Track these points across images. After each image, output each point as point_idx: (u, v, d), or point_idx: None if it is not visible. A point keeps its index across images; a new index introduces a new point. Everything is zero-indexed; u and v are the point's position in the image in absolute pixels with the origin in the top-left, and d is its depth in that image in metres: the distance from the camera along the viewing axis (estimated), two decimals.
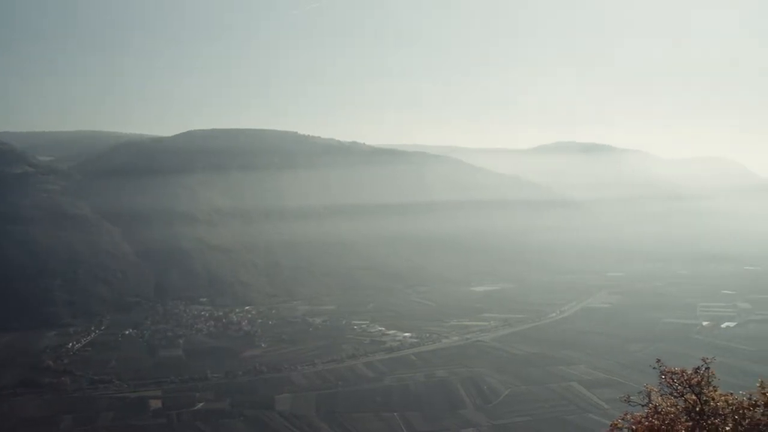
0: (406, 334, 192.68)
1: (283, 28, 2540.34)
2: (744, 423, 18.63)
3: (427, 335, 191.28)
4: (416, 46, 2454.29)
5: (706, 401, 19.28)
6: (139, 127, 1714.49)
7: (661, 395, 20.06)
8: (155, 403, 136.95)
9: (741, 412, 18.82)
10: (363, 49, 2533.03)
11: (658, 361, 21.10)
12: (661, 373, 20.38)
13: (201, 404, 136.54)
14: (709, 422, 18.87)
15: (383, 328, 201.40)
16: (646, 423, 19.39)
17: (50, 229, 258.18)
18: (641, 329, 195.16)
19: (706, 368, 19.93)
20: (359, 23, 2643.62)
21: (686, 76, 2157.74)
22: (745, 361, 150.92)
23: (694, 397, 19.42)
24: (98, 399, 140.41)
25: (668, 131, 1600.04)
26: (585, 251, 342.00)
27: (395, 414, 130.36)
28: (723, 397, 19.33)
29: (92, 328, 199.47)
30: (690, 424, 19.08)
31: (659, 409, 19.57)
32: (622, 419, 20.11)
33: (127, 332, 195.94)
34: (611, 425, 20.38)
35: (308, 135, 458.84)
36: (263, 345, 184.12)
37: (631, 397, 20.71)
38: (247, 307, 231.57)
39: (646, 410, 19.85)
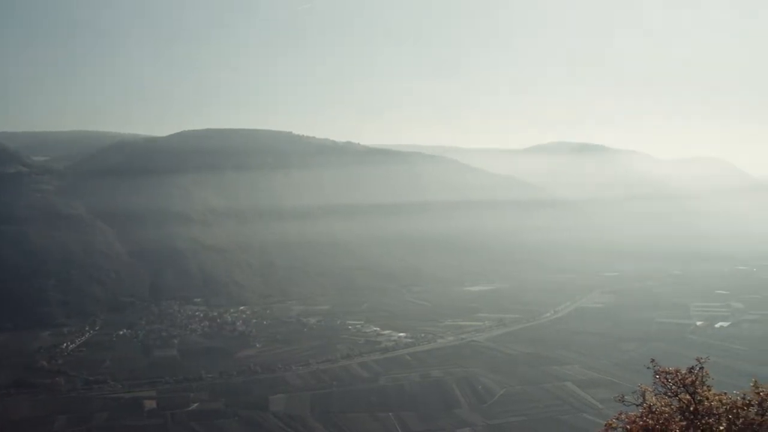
0: (401, 334, 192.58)
1: (277, 28, 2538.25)
2: (738, 422, 18.77)
3: (422, 335, 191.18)
4: (411, 46, 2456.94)
5: (700, 401, 19.41)
6: (133, 126, 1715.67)
7: (655, 395, 20.16)
8: (150, 404, 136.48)
9: (735, 411, 18.96)
10: (357, 48, 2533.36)
11: (653, 360, 21.24)
12: (656, 372, 20.50)
13: (195, 404, 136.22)
14: (704, 422, 19.01)
15: (378, 328, 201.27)
16: (641, 423, 19.50)
17: (44, 229, 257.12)
18: (635, 329, 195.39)
19: (700, 368, 20.07)
20: (353, 23, 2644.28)
21: (680, 76, 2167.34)
22: (738, 361, 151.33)
23: (688, 396, 19.55)
24: (92, 399, 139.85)
25: (662, 131, 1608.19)
26: (579, 251, 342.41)
27: (390, 414, 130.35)
28: (717, 397, 19.45)
29: (86, 328, 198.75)
30: (684, 423, 19.20)
31: (654, 409, 19.68)
32: (617, 419, 20.22)
33: (121, 332, 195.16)
34: (606, 425, 20.50)
35: (302, 135, 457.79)
36: (258, 345, 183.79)
37: (626, 397, 20.85)
38: (241, 307, 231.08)
39: (640, 410, 19.96)
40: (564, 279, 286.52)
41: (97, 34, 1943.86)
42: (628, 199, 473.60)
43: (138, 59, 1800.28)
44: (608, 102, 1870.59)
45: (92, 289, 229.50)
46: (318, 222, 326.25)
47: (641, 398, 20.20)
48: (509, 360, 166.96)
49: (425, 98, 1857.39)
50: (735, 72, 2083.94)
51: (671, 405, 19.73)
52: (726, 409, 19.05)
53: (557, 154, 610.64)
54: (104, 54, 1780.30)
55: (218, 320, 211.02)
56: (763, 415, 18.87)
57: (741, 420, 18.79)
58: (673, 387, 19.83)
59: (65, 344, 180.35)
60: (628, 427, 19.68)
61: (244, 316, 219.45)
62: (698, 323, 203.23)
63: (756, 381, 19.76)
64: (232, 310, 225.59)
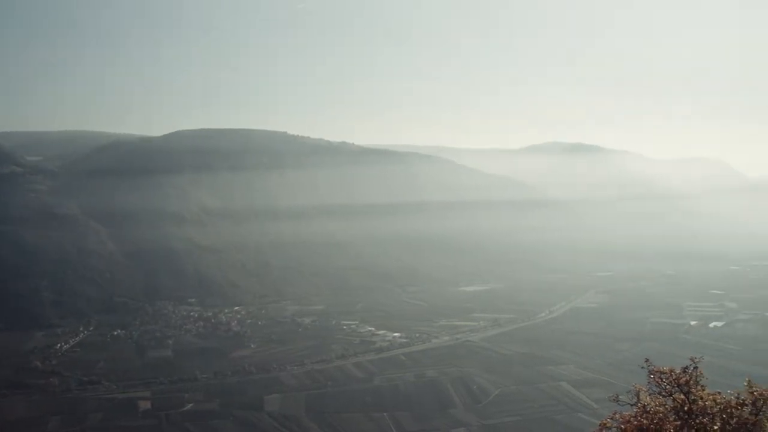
0: (396, 334, 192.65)
1: (272, 28, 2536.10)
2: (732, 422, 18.84)
3: (417, 335, 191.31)
4: (406, 46, 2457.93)
5: (694, 400, 19.46)
6: (127, 126, 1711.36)
7: (649, 395, 20.22)
8: (144, 404, 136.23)
9: (729, 411, 19.02)
10: (353, 48, 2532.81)
11: (647, 360, 21.30)
12: (650, 372, 20.56)
13: (190, 405, 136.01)
14: (698, 421, 19.06)
15: (373, 328, 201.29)
16: (635, 422, 19.54)
17: (38, 229, 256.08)
18: (629, 329, 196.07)
19: (694, 368, 20.12)
20: (347, 23, 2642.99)
21: (675, 77, 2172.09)
22: (732, 361, 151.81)
23: (682, 396, 19.60)
24: (87, 400, 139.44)
25: (656, 132, 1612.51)
26: (573, 251, 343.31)
27: (385, 414, 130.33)
28: (711, 397, 19.51)
29: (81, 329, 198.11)
30: (678, 423, 19.25)
31: (648, 409, 19.73)
32: (611, 419, 20.26)
33: (115, 333, 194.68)
34: (600, 425, 20.53)
35: (297, 135, 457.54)
36: (252, 345, 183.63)
37: (620, 397, 20.85)
38: (236, 308, 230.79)
39: (634, 409, 20.00)
40: (558, 279, 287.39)
41: (91, 34, 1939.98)
42: (621, 199, 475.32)
43: (132, 59, 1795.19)
44: (604, 102, 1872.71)
45: (86, 289, 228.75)
46: (313, 222, 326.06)
47: (636, 398, 20.23)
48: (504, 360, 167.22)
49: (420, 98, 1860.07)
50: (731, 73, 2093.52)
51: (665, 405, 19.78)
52: (720, 408, 19.12)
53: (553, 155, 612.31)
54: (99, 54, 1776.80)
55: (213, 320, 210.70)
56: (756, 415, 18.95)
57: (735, 419, 18.87)
58: (668, 387, 19.88)
59: (59, 345, 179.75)
60: (623, 426, 19.72)
61: (238, 316, 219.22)
62: (692, 323, 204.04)
63: (750, 380, 19.83)
64: (226, 311, 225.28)
